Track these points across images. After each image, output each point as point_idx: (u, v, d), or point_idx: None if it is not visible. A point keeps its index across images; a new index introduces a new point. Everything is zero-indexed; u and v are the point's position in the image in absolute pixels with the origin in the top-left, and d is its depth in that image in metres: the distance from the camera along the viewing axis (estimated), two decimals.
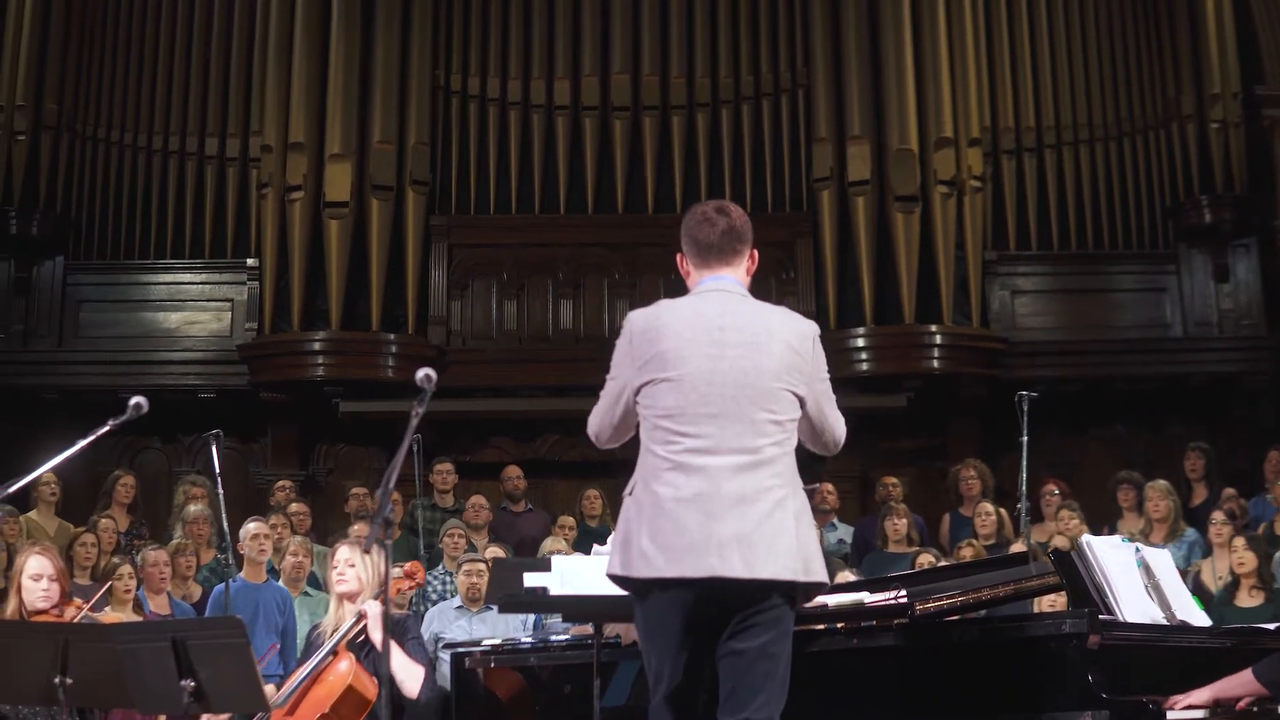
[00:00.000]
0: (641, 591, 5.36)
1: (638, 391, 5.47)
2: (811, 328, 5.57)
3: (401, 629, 7.63)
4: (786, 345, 5.41)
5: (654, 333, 5.48)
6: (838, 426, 5.61)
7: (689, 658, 5.30)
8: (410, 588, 8.44)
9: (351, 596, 7.69)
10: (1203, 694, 5.78)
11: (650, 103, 16.13)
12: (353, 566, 7.71)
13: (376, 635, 7.32)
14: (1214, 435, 14.80)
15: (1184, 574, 11.18)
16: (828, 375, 5.59)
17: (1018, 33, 16.21)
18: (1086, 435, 15.92)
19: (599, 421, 5.66)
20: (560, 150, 16.09)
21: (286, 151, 15.58)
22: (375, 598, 7.54)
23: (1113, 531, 11.62)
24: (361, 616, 7.52)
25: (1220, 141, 15.49)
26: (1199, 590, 11.04)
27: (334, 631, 7.61)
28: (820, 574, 5.33)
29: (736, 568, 5.14)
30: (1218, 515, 11.46)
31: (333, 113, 15.66)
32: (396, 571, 7.89)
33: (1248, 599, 10.51)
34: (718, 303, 5.51)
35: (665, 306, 5.62)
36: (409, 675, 7.35)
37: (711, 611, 5.24)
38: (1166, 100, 15.98)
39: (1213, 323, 15.67)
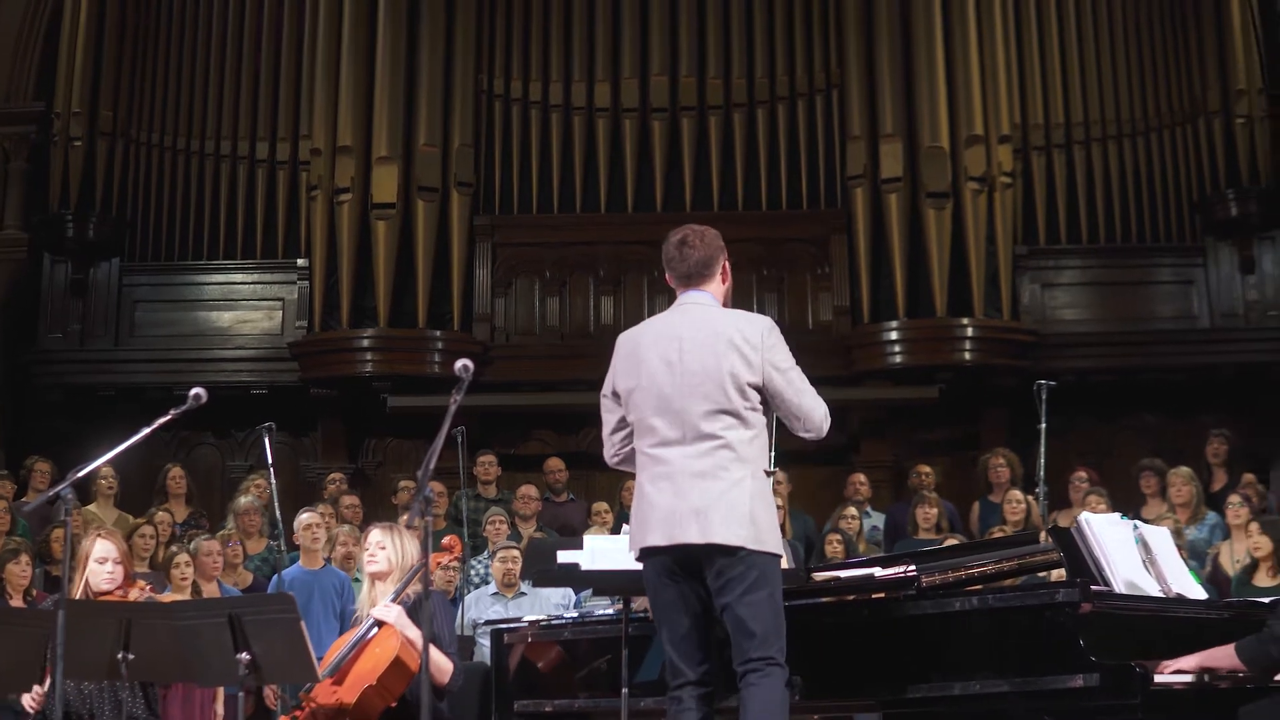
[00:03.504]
0: (640, 563, 6.18)
1: (622, 400, 6.30)
2: (762, 322, 6.29)
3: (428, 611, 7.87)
4: (731, 344, 6.13)
5: (631, 346, 6.35)
6: (815, 410, 6.25)
7: (677, 614, 6.08)
8: (449, 560, 8.74)
9: (382, 576, 7.97)
10: (1190, 661, 6.05)
11: (688, 104, 16.39)
12: (383, 549, 7.99)
13: (403, 626, 7.70)
14: (1243, 425, 14.85)
15: (1205, 556, 11.58)
16: (791, 363, 6.23)
17: (1047, 31, 16.40)
18: (1117, 425, 16.05)
19: (604, 440, 6.51)
20: (600, 151, 16.36)
21: (335, 155, 15.90)
22: (407, 579, 7.89)
23: (1138, 517, 11.85)
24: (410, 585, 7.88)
25: (1246, 136, 15.63)
26: (1217, 572, 11.36)
27: (370, 610, 7.97)
28: (773, 547, 6.03)
29: (693, 534, 5.94)
30: (1234, 499, 11.67)
31: (379, 117, 16.00)
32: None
33: (1266, 579, 10.66)
34: (684, 314, 6.34)
35: (643, 325, 6.52)
36: (438, 669, 7.66)
37: (684, 573, 6.03)
38: (1193, 96, 16.12)
39: (1239, 314, 15.85)
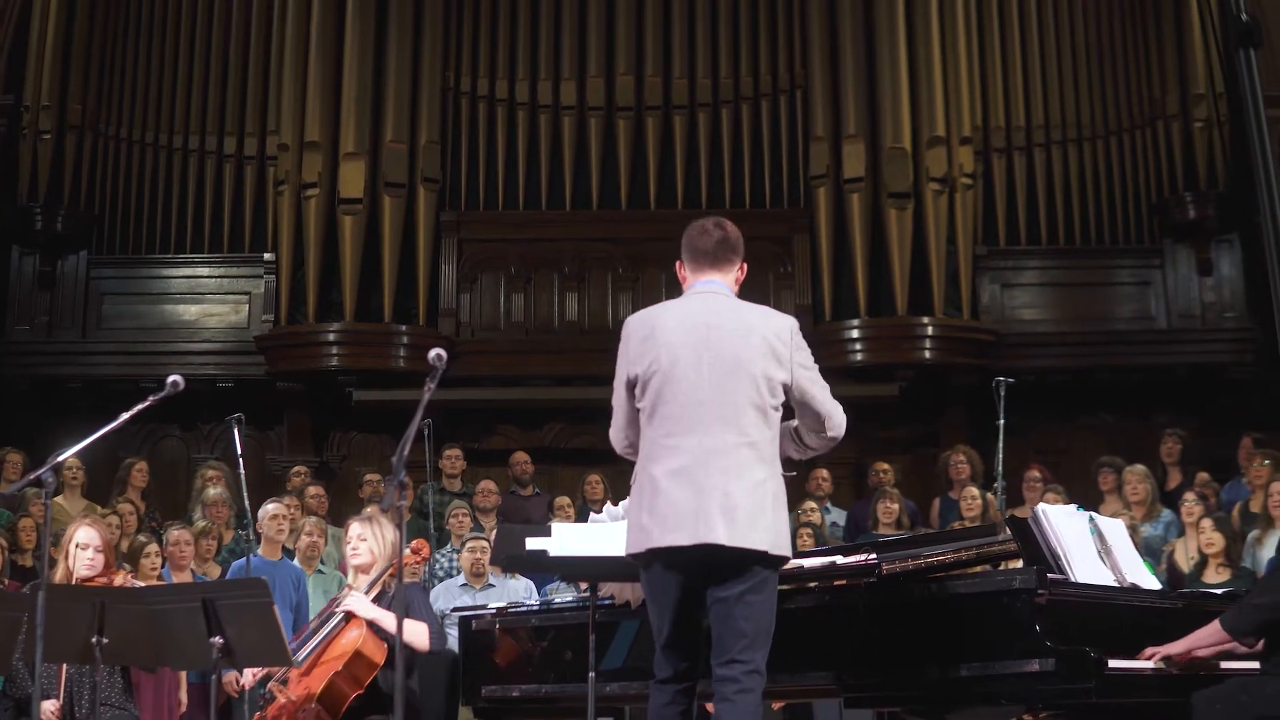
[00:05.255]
0: (645, 561, 5.96)
1: (636, 385, 6.04)
2: (789, 321, 6.13)
3: (405, 599, 7.96)
4: (764, 339, 5.96)
5: (648, 330, 6.07)
6: (836, 412, 6.11)
7: (683, 613, 5.90)
8: (417, 562, 8.86)
9: (365, 569, 8.09)
10: (1179, 645, 6.26)
11: (653, 103, 16.51)
12: (365, 541, 8.10)
13: (372, 613, 7.80)
14: (1199, 425, 15.05)
15: (1160, 553, 11.75)
16: (814, 364, 6.10)
17: (1008, 34, 16.59)
18: (1075, 424, 16.26)
19: (617, 429, 6.24)
20: (566, 148, 16.47)
21: (302, 150, 16.00)
22: (387, 569, 8.02)
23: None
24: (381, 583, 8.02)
25: (1204, 140, 15.85)
26: (1173, 569, 11.52)
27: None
28: (785, 550, 5.91)
29: (720, 535, 5.73)
30: (1189, 496, 11.82)
31: (347, 113, 16.09)
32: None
33: (1215, 576, 10.80)
34: (705, 302, 6.10)
35: (659, 308, 6.26)
36: (415, 634, 7.73)
37: (701, 572, 5.84)
38: (1152, 100, 16.34)
39: (1196, 315, 16.06)
